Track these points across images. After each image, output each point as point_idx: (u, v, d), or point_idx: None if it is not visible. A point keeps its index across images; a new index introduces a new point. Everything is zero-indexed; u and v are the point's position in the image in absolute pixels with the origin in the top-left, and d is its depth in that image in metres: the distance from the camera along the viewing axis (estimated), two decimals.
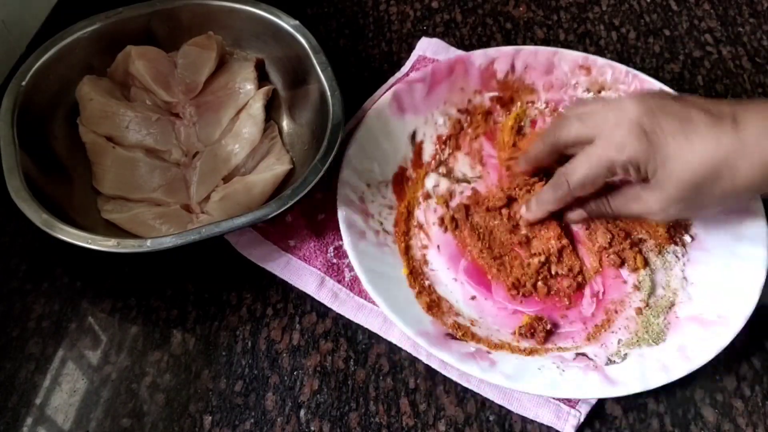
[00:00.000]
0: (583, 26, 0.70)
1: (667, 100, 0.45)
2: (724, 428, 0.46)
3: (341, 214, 0.52)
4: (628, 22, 0.71)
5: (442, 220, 0.55)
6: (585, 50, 0.68)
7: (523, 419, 0.46)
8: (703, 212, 0.52)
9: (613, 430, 0.46)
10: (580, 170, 0.47)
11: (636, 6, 0.72)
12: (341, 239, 0.52)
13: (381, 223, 0.54)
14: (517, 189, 0.55)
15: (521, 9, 0.72)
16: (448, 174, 0.58)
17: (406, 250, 0.53)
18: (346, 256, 0.52)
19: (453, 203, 0.56)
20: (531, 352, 0.48)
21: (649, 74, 0.65)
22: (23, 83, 0.55)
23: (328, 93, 0.55)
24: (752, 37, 0.69)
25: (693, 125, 0.43)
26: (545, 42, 0.69)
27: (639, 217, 0.50)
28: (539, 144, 0.52)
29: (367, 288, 0.48)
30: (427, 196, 0.57)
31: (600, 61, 0.61)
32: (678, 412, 0.46)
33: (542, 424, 0.46)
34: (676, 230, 0.53)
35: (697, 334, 0.47)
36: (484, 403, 0.47)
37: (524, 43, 0.69)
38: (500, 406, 0.47)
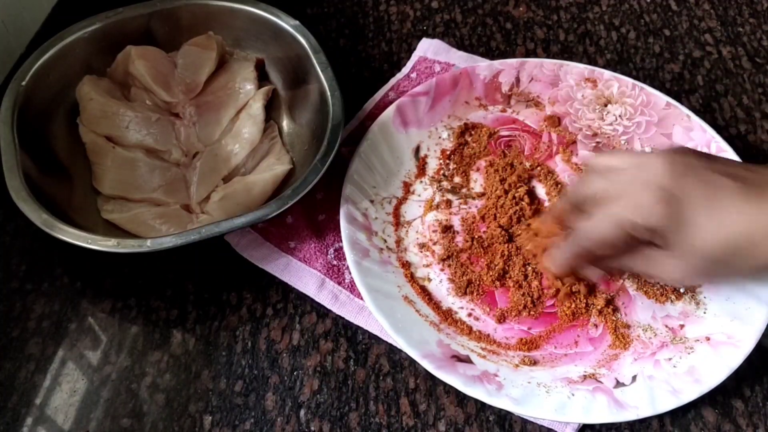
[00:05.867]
0: (583, 26, 0.70)
1: (698, 162, 0.43)
2: (724, 428, 0.46)
3: (345, 232, 0.51)
4: (628, 22, 0.71)
5: (445, 237, 0.54)
6: (585, 50, 0.68)
7: (523, 419, 0.46)
8: (725, 281, 0.50)
9: (614, 430, 0.46)
10: (599, 230, 0.44)
11: (636, 6, 0.72)
12: (342, 241, 0.52)
13: (385, 241, 0.54)
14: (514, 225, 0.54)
15: (521, 9, 0.72)
16: (453, 189, 0.57)
17: (410, 267, 0.53)
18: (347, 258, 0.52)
19: (457, 219, 0.55)
20: (533, 362, 0.48)
21: (649, 74, 0.65)
22: (23, 83, 0.55)
23: (328, 93, 0.55)
24: (752, 37, 0.69)
25: (720, 194, 0.41)
26: (545, 42, 0.69)
27: (658, 280, 0.49)
28: (561, 201, 0.50)
29: (371, 308, 0.48)
30: (431, 211, 0.56)
31: (606, 74, 0.60)
32: (678, 412, 0.46)
33: (543, 426, 0.46)
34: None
35: (707, 355, 0.46)
36: (484, 403, 0.47)
37: (524, 43, 0.69)
38: (500, 407, 0.46)
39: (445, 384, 0.47)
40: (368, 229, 0.53)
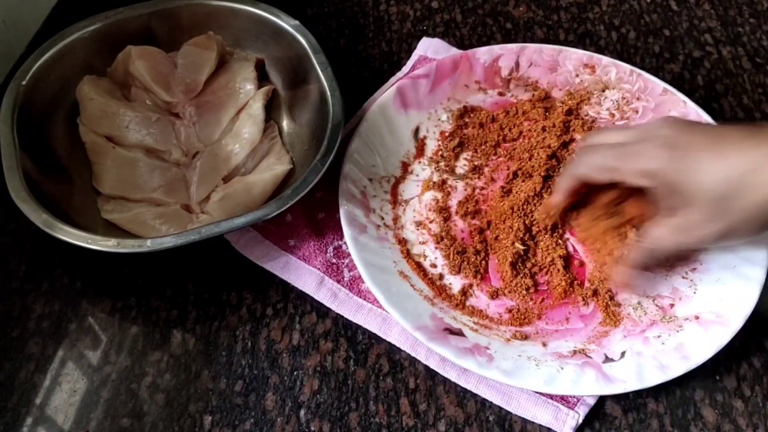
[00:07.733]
0: (583, 26, 0.70)
1: (699, 124, 0.46)
2: (724, 428, 0.46)
3: (343, 208, 0.52)
4: (628, 22, 0.71)
5: (442, 216, 0.55)
6: (585, 50, 0.68)
7: (523, 419, 0.46)
8: (734, 231, 0.44)
9: (613, 430, 0.46)
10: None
11: (636, 6, 0.72)
12: (341, 239, 0.52)
13: (382, 218, 0.54)
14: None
15: (521, 9, 0.72)
16: (450, 170, 0.58)
17: (406, 244, 0.53)
18: (346, 257, 0.52)
19: (454, 200, 0.56)
20: (525, 337, 0.48)
21: (649, 74, 0.65)
22: (23, 83, 0.55)
23: (328, 93, 0.55)
24: (752, 37, 0.69)
25: (725, 139, 0.43)
26: (545, 42, 0.69)
27: (674, 246, 0.47)
28: (567, 178, 0.51)
29: (367, 281, 0.48)
30: (428, 191, 0.57)
31: (604, 59, 0.61)
32: (678, 412, 0.46)
33: (542, 425, 0.46)
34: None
35: (695, 333, 0.47)
36: (484, 403, 0.47)
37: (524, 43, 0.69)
38: (500, 407, 0.47)
39: (445, 384, 0.47)
40: (366, 206, 0.54)
